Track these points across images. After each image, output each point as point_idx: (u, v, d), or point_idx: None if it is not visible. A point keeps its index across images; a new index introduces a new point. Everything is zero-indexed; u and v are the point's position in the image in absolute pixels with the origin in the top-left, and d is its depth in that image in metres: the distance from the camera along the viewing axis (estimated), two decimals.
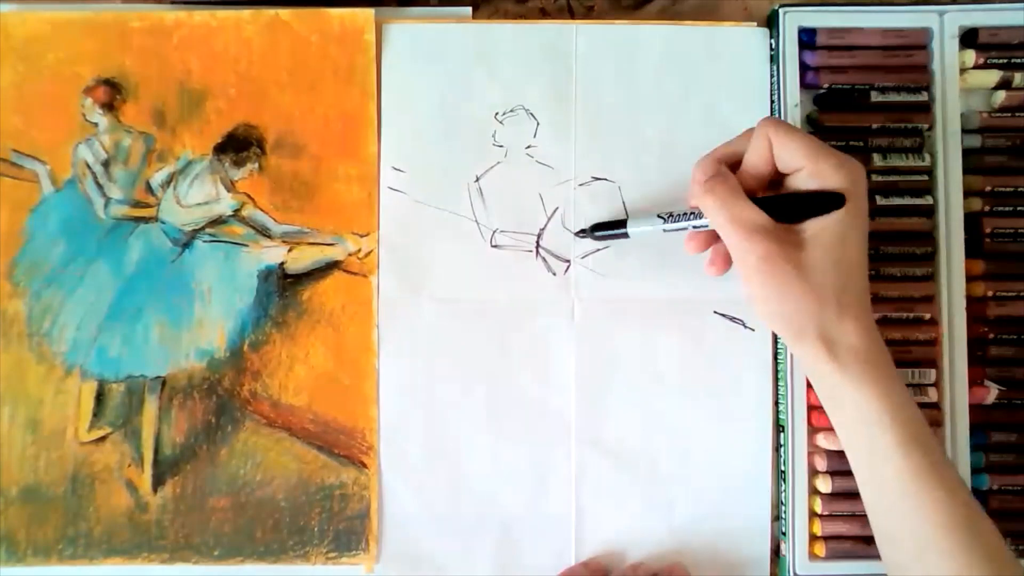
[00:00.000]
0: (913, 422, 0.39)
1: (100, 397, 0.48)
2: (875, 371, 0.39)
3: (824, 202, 0.39)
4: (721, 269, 0.46)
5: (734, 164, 0.42)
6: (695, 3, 0.52)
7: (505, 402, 0.49)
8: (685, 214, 0.44)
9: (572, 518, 0.48)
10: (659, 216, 0.45)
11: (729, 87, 0.49)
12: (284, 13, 0.49)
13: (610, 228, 0.47)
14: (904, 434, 0.38)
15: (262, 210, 0.49)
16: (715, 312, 0.49)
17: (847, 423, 0.40)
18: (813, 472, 0.48)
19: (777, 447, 0.49)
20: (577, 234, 0.49)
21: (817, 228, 0.39)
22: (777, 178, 0.41)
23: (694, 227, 0.44)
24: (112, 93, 0.49)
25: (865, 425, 0.39)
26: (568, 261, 0.49)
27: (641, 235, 0.46)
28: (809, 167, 0.39)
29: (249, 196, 0.49)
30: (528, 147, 0.49)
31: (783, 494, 0.48)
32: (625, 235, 0.46)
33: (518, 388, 0.49)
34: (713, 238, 0.45)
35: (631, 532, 0.48)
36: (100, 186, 0.49)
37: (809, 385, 0.48)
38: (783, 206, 0.40)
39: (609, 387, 0.49)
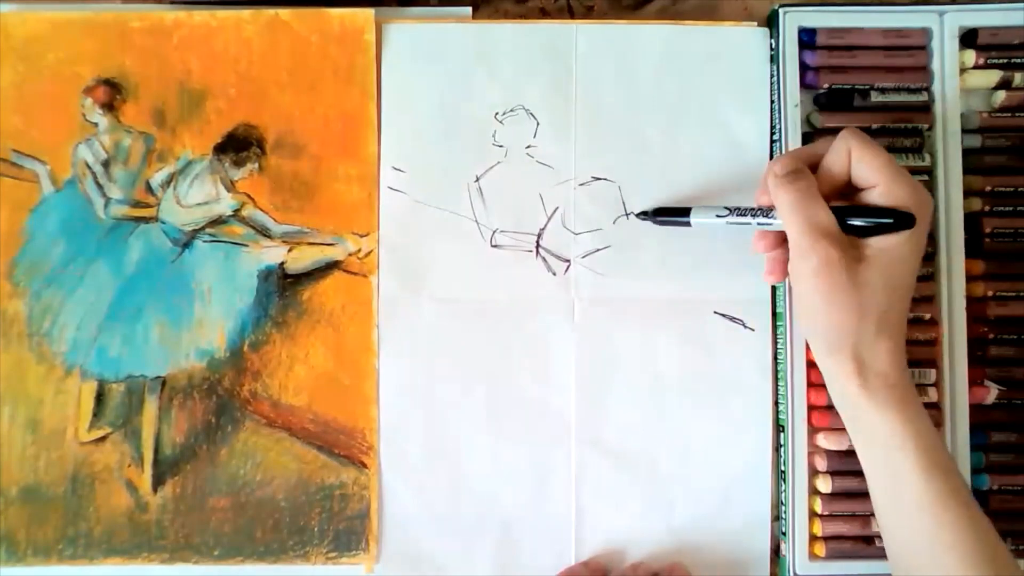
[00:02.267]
0: (935, 449, 0.39)
1: (100, 397, 0.48)
2: (900, 397, 0.39)
3: (895, 220, 0.39)
4: (780, 277, 0.45)
5: (809, 168, 0.42)
6: (695, 3, 0.52)
7: (505, 402, 0.49)
8: (752, 210, 0.44)
9: (572, 518, 0.48)
10: (726, 208, 0.44)
11: (729, 87, 0.49)
12: (284, 13, 0.49)
13: (672, 215, 0.47)
14: (926, 460, 0.38)
15: (262, 210, 0.49)
16: (715, 312, 0.49)
17: (868, 445, 0.41)
18: (813, 472, 0.48)
19: (777, 447, 0.49)
20: (638, 215, 0.48)
21: (881, 246, 0.39)
22: (846, 191, 0.41)
23: (759, 224, 0.43)
24: (112, 93, 0.49)
25: (887, 449, 0.39)
26: (568, 261, 0.49)
27: (703, 226, 0.46)
28: (884, 186, 0.39)
29: (249, 196, 0.49)
30: (528, 147, 0.49)
31: (783, 494, 0.48)
32: (687, 223, 0.46)
33: (518, 388, 0.49)
34: (779, 241, 0.45)
35: (631, 532, 0.48)
36: (100, 186, 0.49)
37: (810, 384, 0.48)
38: (854, 217, 0.39)
39: (609, 387, 0.49)
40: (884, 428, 0.39)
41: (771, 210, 0.43)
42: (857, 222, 0.39)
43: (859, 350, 0.39)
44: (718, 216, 0.45)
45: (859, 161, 0.40)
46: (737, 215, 0.44)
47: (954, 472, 0.39)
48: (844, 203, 0.40)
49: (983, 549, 0.37)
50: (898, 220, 0.39)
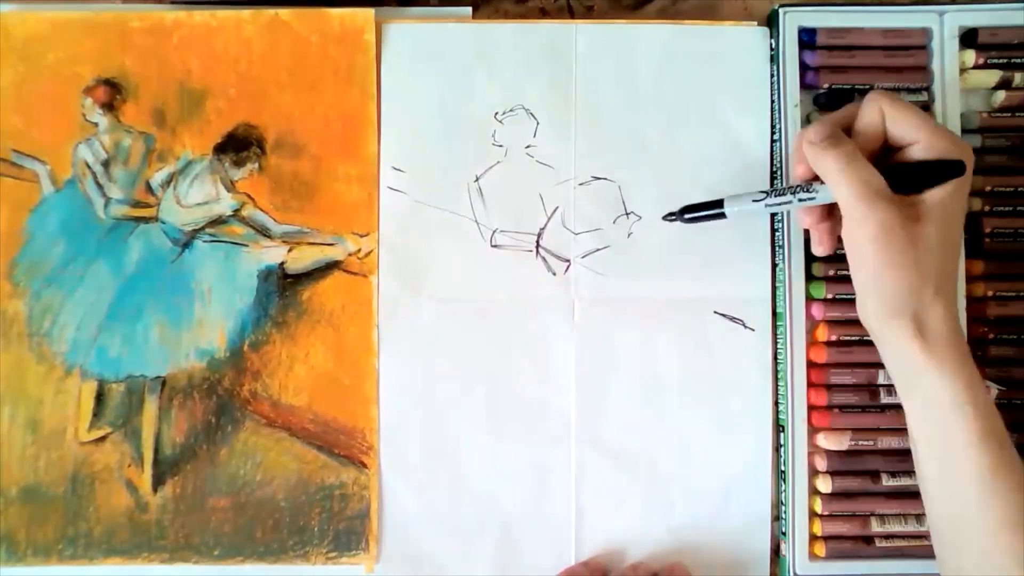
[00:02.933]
0: (991, 415, 0.38)
1: (100, 397, 0.48)
2: (960, 358, 0.39)
3: (944, 171, 0.38)
4: (829, 248, 0.45)
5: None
6: (695, 3, 0.52)
7: (505, 402, 0.49)
8: (790, 188, 0.43)
9: (572, 518, 0.48)
10: (761, 191, 0.44)
11: (729, 87, 0.49)
12: (284, 13, 0.49)
13: (703, 210, 0.45)
14: (983, 426, 0.38)
15: (262, 210, 0.49)
16: (715, 312, 0.49)
17: (925, 409, 0.40)
18: (813, 472, 0.48)
19: (777, 447, 0.49)
20: (665, 218, 0.47)
21: (934, 201, 0.39)
22: (879, 153, 0.41)
23: (801, 200, 0.42)
24: (112, 93, 0.49)
25: (943, 412, 0.38)
26: (568, 261, 0.49)
27: (741, 215, 0.45)
28: (925, 140, 0.39)
29: (249, 196, 0.49)
30: (528, 147, 0.49)
31: (783, 494, 0.48)
32: (722, 215, 0.45)
33: (518, 388, 0.49)
34: (824, 213, 0.44)
35: (631, 532, 0.48)
36: (100, 186, 0.49)
37: (810, 384, 0.48)
38: (903, 175, 0.39)
39: (609, 387, 0.49)
40: (944, 391, 0.38)
41: (811, 183, 0.42)
42: (908, 176, 0.39)
43: (919, 312, 0.39)
44: (755, 201, 0.43)
45: (895, 120, 0.40)
46: (776, 195, 0.43)
47: (1007, 441, 0.38)
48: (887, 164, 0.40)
49: None
50: (950, 169, 0.38)
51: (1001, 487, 0.37)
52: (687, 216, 0.46)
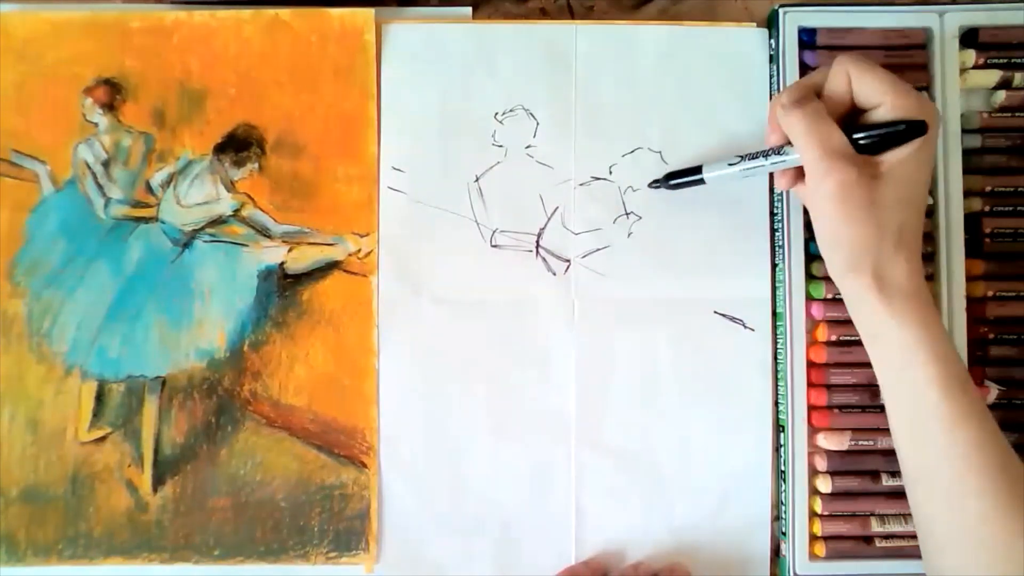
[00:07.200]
0: (951, 361, 0.39)
1: (100, 397, 0.48)
2: (919, 309, 0.39)
3: (905, 131, 0.39)
4: (789, 184, 0.45)
5: None
6: (695, 3, 0.52)
7: (505, 402, 0.49)
8: (764, 152, 0.44)
9: (572, 518, 0.48)
10: (737, 156, 0.45)
11: (729, 87, 0.49)
12: (284, 13, 0.49)
13: (684, 175, 0.47)
14: (943, 371, 0.38)
15: (262, 210, 0.49)
16: (715, 312, 0.49)
17: (886, 359, 0.41)
18: (813, 472, 0.48)
19: (777, 447, 0.49)
20: (651, 185, 0.48)
21: (894, 161, 0.39)
22: (849, 117, 0.41)
23: (773, 164, 0.44)
24: (112, 93, 0.49)
25: (905, 359, 0.39)
26: (568, 261, 0.49)
27: (718, 180, 0.46)
28: (889, 102, 0.39)
29: (249, 196, 0.49)
30: (528, 147, 0.49)
31: (783, 494, 0.48)
32: (701, 181, 0.46)
33: (518, 388, 0.49)
34: (798, 175, 0.45)
35: (631, 532, 0.48)
36: (100, 186, 0.49)
37: (810, 384, 0.48)
38: (867, 131, 0.40)
39: (609, 387, 0.49)
40: (903, 340, 0.39)
41: (783, 147, 0.43)
42: (865, 137, 0.39)
43: (879, 266, 0.39)
44: (730, 165, 0.45)
45: (860, 82, 0.40)
46: (749, 159, 0.44)
47: (970, 386, 0.39)
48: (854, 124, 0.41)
49: (997, 461, 0.37)
50: (910, 128, 0.39)
51: (965, 432, 0.38)
52: (671, 183, 0.47)
